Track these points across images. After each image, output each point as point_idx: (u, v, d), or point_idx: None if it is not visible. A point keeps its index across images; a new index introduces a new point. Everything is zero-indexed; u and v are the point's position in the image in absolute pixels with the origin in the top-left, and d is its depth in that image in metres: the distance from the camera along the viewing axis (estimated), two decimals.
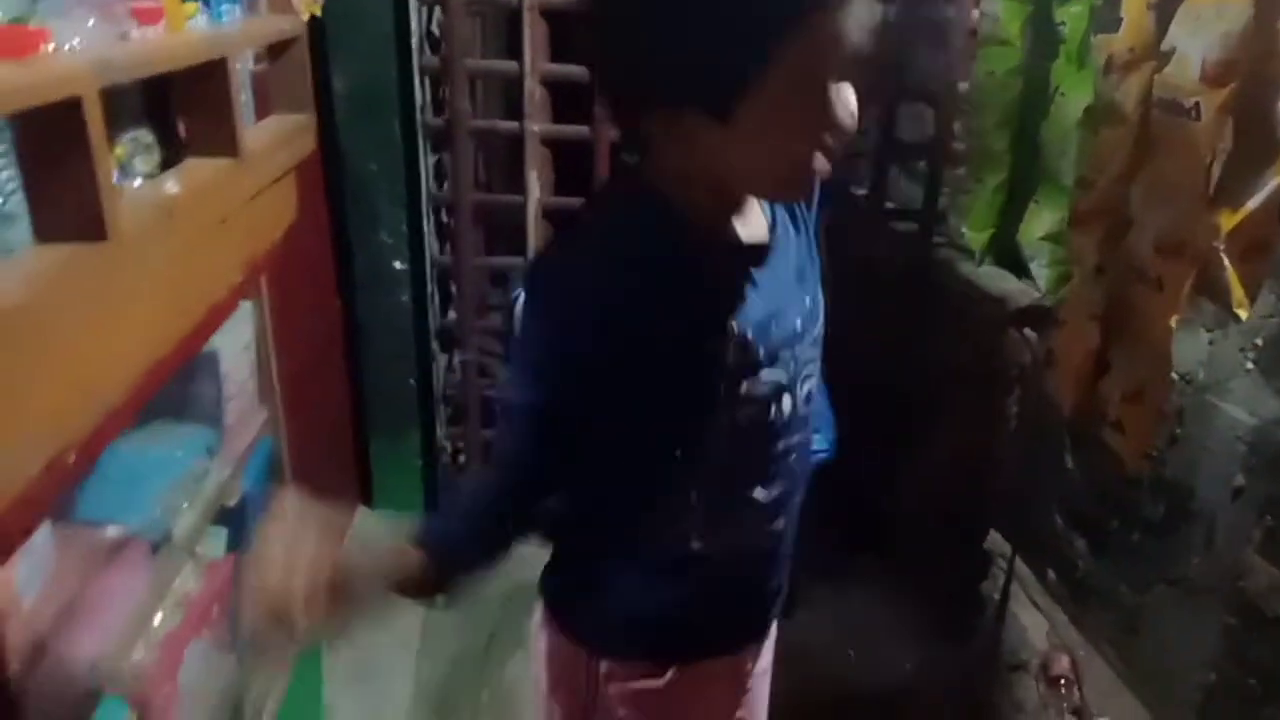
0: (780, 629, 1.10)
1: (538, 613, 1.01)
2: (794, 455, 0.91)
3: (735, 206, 0.85)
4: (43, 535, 0.83)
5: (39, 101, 0.74)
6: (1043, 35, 1.60)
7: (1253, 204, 1.10)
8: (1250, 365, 1.73)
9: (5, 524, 0.68)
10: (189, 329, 1.03)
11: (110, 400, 0.84)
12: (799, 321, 0.87)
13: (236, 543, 1.36)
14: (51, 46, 0.83)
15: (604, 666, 0.95)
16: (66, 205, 0.77)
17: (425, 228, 2.26)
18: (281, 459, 1.56)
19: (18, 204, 0.79)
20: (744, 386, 0.83)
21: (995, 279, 2.12)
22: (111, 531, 1.01)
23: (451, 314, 2.36)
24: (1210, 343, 1.84)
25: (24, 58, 0.77)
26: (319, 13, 1.71)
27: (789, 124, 0.72)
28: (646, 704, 0.95)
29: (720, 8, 0.69)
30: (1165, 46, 1.15)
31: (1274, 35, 1.05)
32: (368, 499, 2.45)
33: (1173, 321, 1.20)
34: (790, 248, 0.88)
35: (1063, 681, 2.13)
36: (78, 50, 0.86)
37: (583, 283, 0.79)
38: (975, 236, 1.81)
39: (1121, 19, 1.22)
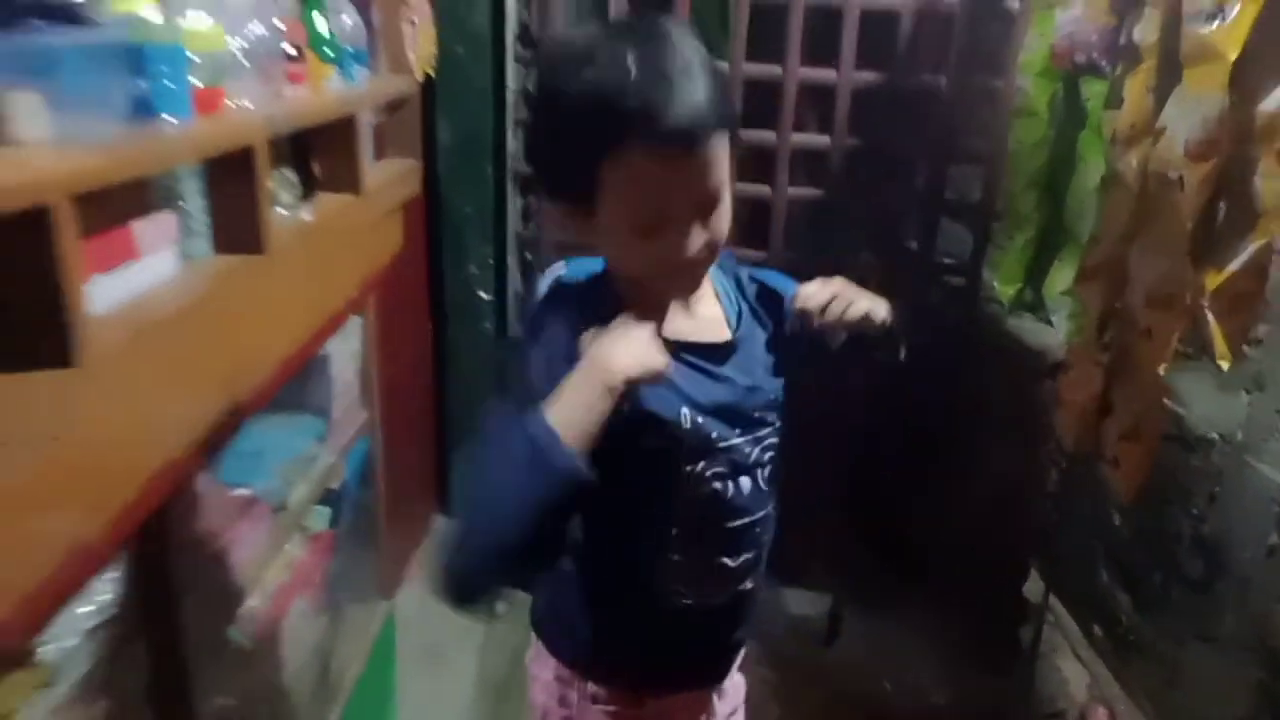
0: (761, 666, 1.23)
1: (531, 649, 1.14)
2: (758, 528, 1.03)
3: (657, 301, 0.95)
4: (205, 479, 1.06)
5: (224, 149, 0.98)
6: (1072, 108, 1.75)
7: (1235, 265, 1.24)
8: None
9: (185, 464, 0.91)
10: (314, 330, 1.27)
11: (256, 379, 1.07)
12: (757, 414, 1.00)
13: (336, 521, 1.59)
14: (230, 104, 1.08)
15: (590, 688, 1.07)
16: (237, 226, 1.01)
17: (509, 263, 2.51)
18: (376, 458, 1.80)
19: (203, 225, 1.03)
20: (699, 465, 0.96)
21: (1037, 333, 2.23)
22: (242, 492, 1.24)
23: None
24: (1249, 404, 1.93)
25: (213, 112, 1.02)
26: (431, 73, 1.98)
27: (626, 233, 0.87)
28: None
29: (561, 134, 0.86)
30: (1159, 125, 1.30)
31: (1250, 121, 1.19)
32: (445, 509, 2.68)
33: (1161, 368, 1.33)
34: (757, 348, 1.02)
35: None
36: (248, 107, 1.11)
37: (557, 345, 0.91)
38: (1004, 289, 1.95)
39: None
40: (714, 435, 0.96)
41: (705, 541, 1.01)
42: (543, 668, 1.11)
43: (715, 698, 1.15)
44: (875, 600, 2.59)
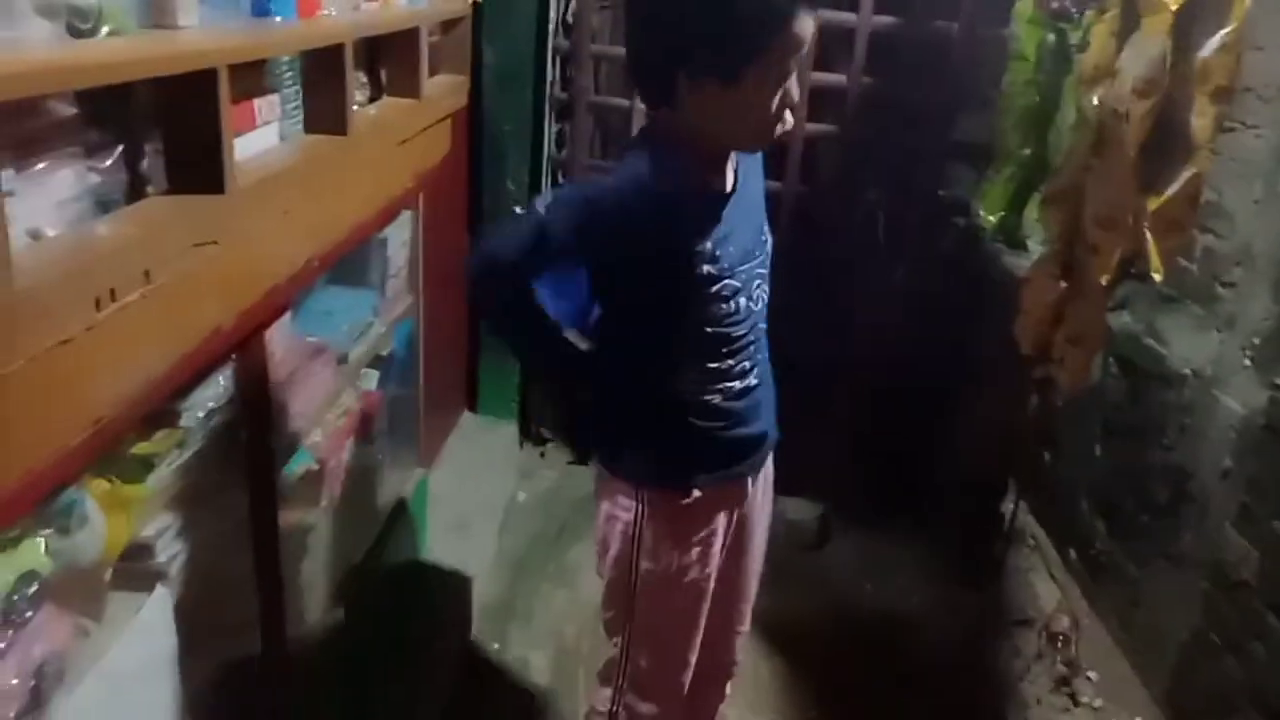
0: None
1: (597, 481, 1.40)
2: (755, 340, 1.30)
3: (722, 162, 1.23)
4: (285, 320, 1.31)
5: (323, 44, 1.21)
6: (1059, 54, 1.93)
7: (1170, 191, 1.43)
8: (1247, 362, 2.02)
9: (284, 291, 1.15)
10: (379, 207, 1.51)
11: (335, 238, 1.31)
12: (750, 246, 1.26)
13: (384, 383, 1.85)
14: (324, 11, 1.31)
15: (649, 494, 1.34)
16: (327, 110, 1.24)
17: (543, 181, 2.73)
18: (418, 339, 2.05)
19: (297, 109, 1.27)
20: (714, 286, 1.21)
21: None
22: (313, 339, 1.49)
23: None
24: (1220, 343, 2.12)
25: (311, 17, 1.25)
26: (479, 0, 2.19)
27: (767, 95, 1.13)
28: (678, 516, 1.34)
29: (746, 10, 1.09)
30: (1117, 67, 1.49)
31: (1190, 65, 1.38)
32: (473, 405, 2.94)
33: (1105, 279, 1.54)
34: (748, 195, 1.27)
35: (1060, 637, 2.42)
36: (335, 15, 1.33)
37: (619, 197, 1.19)
38: (987, 218, 2.15)
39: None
40: (725, 262, 1.21)
41: (716, 347, 1.27)
42: (610, 495, 1.37)
43: (749, 483, 1.41)
44: (865, 513, 2.80)
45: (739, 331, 1.27)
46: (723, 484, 1.37)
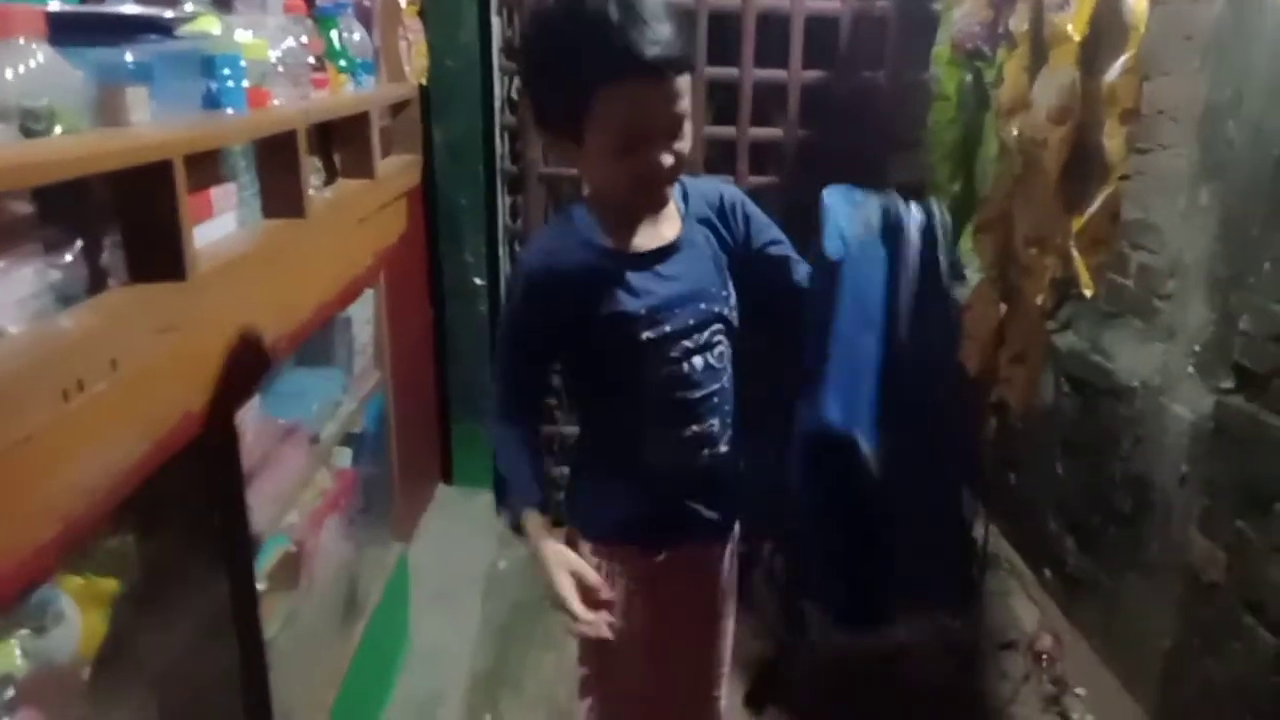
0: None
1: (562, 537, 1.29)
2: (715, 399, 1.23)
3: (630, 218, 1.16)
4: (255, 402, 1.33)
5: (271, 132, 1.26)
6: (978, 92, 2.04)
7: (1091, 210, 1.51)
8: (1191, 369, 2.10)
9: (251, 372, 1.18)
10: (341, 288, 1.54)
11: (299, 318, 1.34)
12: (704, 304, 1.19)
13: (358, 461, 1.85)
14: (274, 101, 1.36)
15: (615, 553, 1.26)
16: (283, 195, 1.28)
17: (500, 252, 2.78)
18: (388, 415, 2.06)
19: (253, 196, 1.31)
20: (659, 349, 1.16)
21: None
22: (284, 421, 1.50)
23: None
24: (1164, 353, 2.20)
25: (262, 107, 1.30)
26: (425, 82, 2.27)
27: (610, 155, 1.06)
28: (644, 577, 1.27)
29: (552, 75, 1.06)
30: (1031, 98, 1.58)
31: (1097, 90, 1.46)
32: (448, 476, 2.94)
33: (1039, 299, 1.60)
34: (704, 250, 1.21)
35: (1045, 656, 2.45)
36: (284, 104, 1.38)
37: (536, 273, 1.16)
38: None
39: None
40: (667, 326, 1.16)
41: (674, 414, 1.21)
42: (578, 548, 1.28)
43: (716, 548, 1.35)
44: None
45: (697, 393, 1.21)
46: (686, 547, 1.30)
